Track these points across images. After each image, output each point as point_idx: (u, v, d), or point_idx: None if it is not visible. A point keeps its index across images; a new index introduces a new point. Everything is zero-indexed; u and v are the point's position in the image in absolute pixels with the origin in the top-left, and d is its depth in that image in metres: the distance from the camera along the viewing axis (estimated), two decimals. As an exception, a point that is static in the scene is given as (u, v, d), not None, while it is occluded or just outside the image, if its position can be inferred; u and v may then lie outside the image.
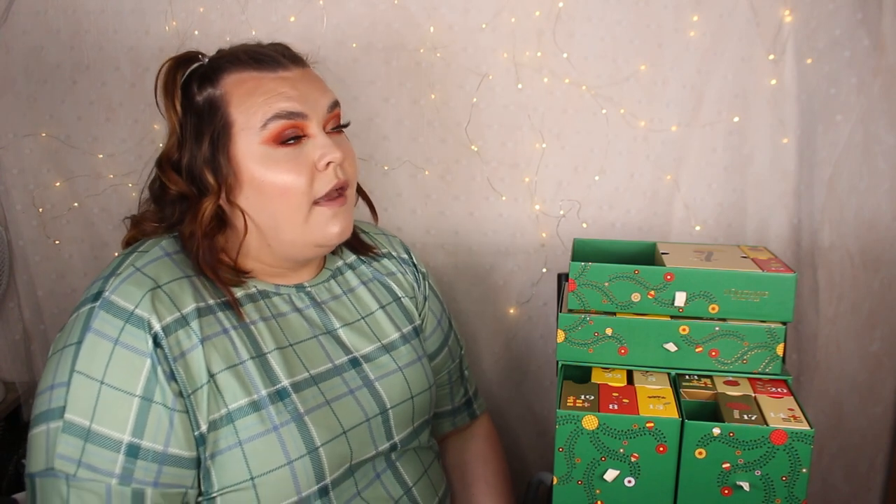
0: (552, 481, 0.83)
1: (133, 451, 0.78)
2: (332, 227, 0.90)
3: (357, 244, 1.05)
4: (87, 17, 1.33)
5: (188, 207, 0.89)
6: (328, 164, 0.88)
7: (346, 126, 0.96)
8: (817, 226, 1.38)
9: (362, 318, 0.99)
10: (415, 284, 1.09)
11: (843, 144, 1.34)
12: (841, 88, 1.32)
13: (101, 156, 1.37)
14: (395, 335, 1.01)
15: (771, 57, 1.32)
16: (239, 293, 0.90)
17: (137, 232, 0.93)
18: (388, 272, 1.07)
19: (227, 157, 0.87)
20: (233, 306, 0.88)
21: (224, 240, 0.91)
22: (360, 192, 1.03)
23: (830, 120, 1.34)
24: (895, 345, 1.40)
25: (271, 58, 0.90)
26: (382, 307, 1.03)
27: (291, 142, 0.88)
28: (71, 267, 1.40)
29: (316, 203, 0.89)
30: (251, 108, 0.87)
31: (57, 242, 1.39)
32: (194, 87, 0.89)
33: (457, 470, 1.14)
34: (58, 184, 1.37)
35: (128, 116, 1.36)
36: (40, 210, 1.37)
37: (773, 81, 1.33)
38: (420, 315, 1.08)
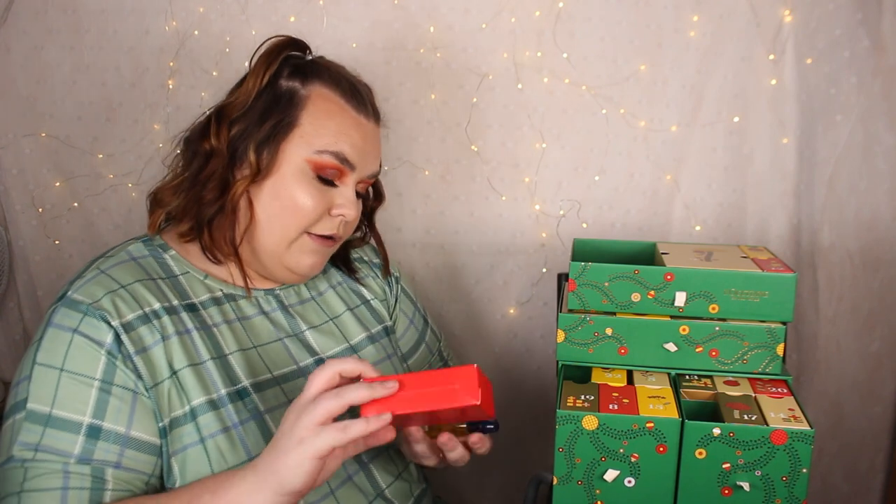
0: (552, 481, 0.83)
1: (94, 433, 0.78)
2: (307, 258, 0.93)
3: (343, 265, 1.08)
4: (87, 17, 1.33)
5: (209, 171, 0.89)
6: (339, 216, 0.93)
7: (365, 197, 1.01)
8: (817, 226, 1.38)
9: (330, 319, 1.01)
10: (386, 288, 1.11)
11: (843, 144, 1.34)
12: (841, 88, 1.32)
13: (101, 156, 1.37)
14: (362, 335, 1.02)
15: (771, 57, 1.32)
16: (204, 296, 0.91)
17: (160, 210, 0.92)
18: (358, 276, 1.09)
19: (276, 148, 0.89)
20: (247, 289, 0.92)
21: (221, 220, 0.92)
22: (377, 239, 1.09)
23: (830, 120, 1.34)
24: (895, 345, 1.40)
25: (363, 99, 0.95)
26: (350, 309, 1.04)
27: (325, 182, 0.92)
28: (71, 267, 1.40)
29: (306, 233, 0.92)
30: (321, 128, 0.90)
31: (57, 242, 1.39)
32: (285, 72, 0.92)
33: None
34: (58, 184, 1.37)
35: (128, 116, 1.36)
36: (40, 210, 1.37)
37: (773, 81, 1.33)
38: (392, 316, 1.10)
